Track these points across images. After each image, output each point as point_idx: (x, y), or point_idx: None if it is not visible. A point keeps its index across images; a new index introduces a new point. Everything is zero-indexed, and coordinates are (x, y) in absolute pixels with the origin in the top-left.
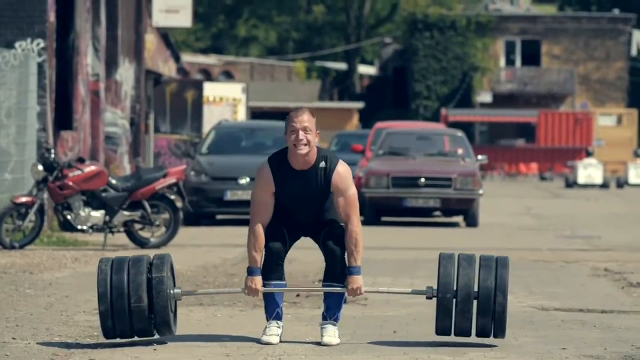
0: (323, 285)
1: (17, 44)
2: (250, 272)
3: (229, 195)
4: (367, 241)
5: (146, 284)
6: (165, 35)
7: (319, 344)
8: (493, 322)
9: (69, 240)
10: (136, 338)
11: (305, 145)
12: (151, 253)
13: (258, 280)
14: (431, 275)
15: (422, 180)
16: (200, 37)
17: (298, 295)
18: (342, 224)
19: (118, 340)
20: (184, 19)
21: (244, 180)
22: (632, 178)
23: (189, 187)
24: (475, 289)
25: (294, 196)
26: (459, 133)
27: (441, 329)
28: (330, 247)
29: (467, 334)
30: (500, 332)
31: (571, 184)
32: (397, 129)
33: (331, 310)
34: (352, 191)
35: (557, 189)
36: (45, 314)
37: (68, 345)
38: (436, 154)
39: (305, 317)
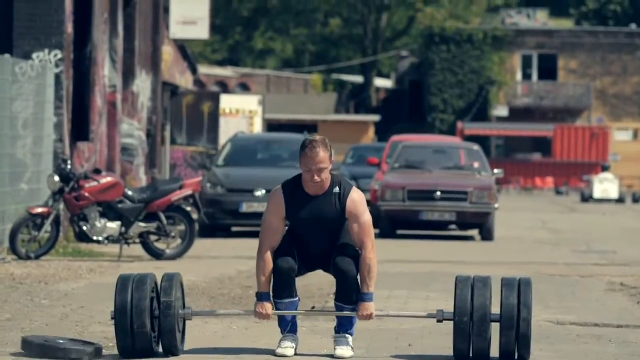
0: (335, 304)
1: (34, 55)
2: (260, 297)
3: (245, 207)
4: (383, 254)
5: (150, 308)
6: (182, 46)
7: (332, 356)
8: (517, 342)
9: (85, 251)
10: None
11: (319, 182)
12: (165, 266)
13: (267, 305)
14: (446, 290)
15: (438, 193)
16: (217, 49)
17: (313, 307)
18: (357, 248)
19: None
20: (201, 31)
21: (260, 193)
22: None
23: (204, 199)
24: (493, 311)
25: (308, 222)
26: (475, 147)
27: (459, 352)
28: (341, 267)
29: (486, 356)
30: (524, 352)
31: (587, 198)
32: (413, 142)
33: (344, 325)
34: (367, 217)
35: (572, 203)
36: (61, 324)
37: None
38: (452, 167)
39: (321, 329)
